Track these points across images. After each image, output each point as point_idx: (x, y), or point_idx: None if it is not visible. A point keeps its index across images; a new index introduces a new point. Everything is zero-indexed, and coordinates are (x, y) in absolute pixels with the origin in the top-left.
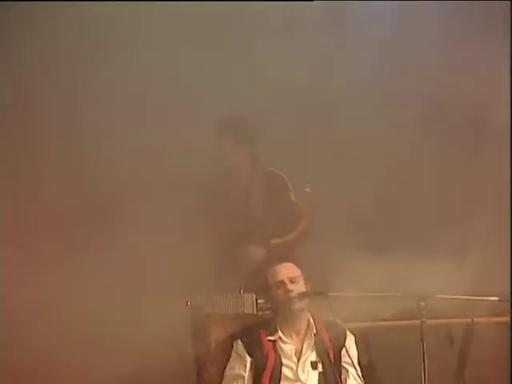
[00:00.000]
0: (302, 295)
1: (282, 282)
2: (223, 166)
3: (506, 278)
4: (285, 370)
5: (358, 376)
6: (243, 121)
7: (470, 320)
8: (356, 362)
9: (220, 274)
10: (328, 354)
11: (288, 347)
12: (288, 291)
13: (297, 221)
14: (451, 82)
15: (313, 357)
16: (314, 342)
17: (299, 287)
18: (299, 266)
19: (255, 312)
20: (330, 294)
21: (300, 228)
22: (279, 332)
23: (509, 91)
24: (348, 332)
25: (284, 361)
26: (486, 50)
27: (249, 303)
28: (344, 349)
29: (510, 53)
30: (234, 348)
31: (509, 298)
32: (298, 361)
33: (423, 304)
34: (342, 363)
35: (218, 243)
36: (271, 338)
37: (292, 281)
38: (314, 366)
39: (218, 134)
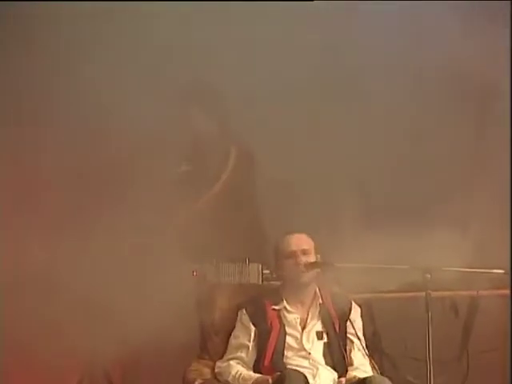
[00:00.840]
0: (309, 265)
1: (294, 253)
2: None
3: (507, 250)
4: (289, 340)
5: (363, 347)
6: (212, 89)
7: (475, 292)
8: (361, 334)
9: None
10: (333, 324)
11: (292, 316)
12: (299, 263)
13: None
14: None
15: (318, 327)
16: (319, 312)
17: (310, 259)
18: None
19: (261, 282)
20: (336, 264)
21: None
22: (284, 301)
23: (509, 92)
24: (353, 303)
25: (288, 330)
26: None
27: (254, 273)
28: (349, 320)
29: (511, 53)
30: (239, 317)
31: (509, 271)
32: (303, 330)
33: (429, 276)
34: (347, 334)
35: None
36: (276, 308)
37: (304, 252)
38: (319, 336)
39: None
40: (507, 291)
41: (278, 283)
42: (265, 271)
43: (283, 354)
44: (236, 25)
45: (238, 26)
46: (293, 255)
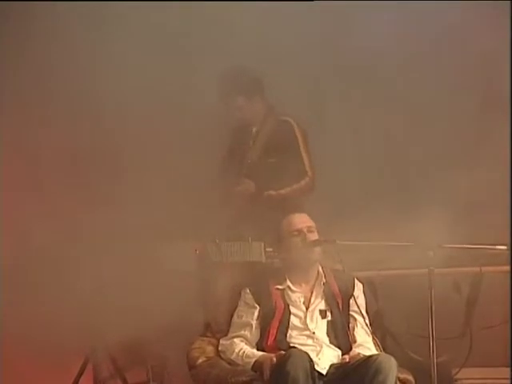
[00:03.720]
0: (313, 242)
1: (301, 231)
2: (234, 118)
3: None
4: (293, 319)
5: (366, 324)
6: (249, 73)
7: (478, 269)
8: (364, 311)
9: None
10: (336, 302)
11: (296, 296)
12: (307, 239)
13: (300, 176)
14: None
15: (321, 305)
16: (323, 290)
17: (314, 237)
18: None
19: (264, 260)
20: (338, 242)
21: (300, 184)
22: (287, 281)
23: (509, 93)
24: (356, 281)
25: (292, 309)
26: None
27: (257, 251)
28: (352, 297)
29: (510, 53)
30: (242, 297)
31: (509, 247)
32: (307, 310)
33: (431, 253)
34: (350, 312)
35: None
36: (280, 287)
37: (309, 230)
38: (322, 314)
39: (226, 88)
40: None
41: (281, 262)
42: (268, 249)
43: (287, 333)
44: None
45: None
46: (299, 233)
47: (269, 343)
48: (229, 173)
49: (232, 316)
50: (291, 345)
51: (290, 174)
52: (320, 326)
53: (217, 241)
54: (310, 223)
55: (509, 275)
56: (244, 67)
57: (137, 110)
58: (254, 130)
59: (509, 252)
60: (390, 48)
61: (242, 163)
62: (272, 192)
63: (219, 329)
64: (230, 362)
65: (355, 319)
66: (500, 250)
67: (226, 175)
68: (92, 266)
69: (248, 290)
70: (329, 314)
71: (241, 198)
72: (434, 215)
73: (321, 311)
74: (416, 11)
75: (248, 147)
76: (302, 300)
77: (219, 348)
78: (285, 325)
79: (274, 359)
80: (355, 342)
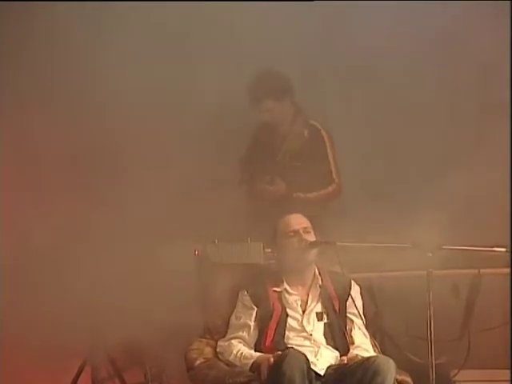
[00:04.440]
0: (312, 244)
1: (297, 232)
2: (262, 120)
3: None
4: (290, 321)
5: (363, 326)
6: (279, 77)
7: (477, 271)
8: (361, 313)
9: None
10: (333, 304)
11: (293, 298)
12: (303, 240)
13: (327, 182)
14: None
15: (318, 308)
16: (320, 293)
17: (311, 238)
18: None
19: (262, 262)
20: (338, 243)
21: (327, 190)
22: (285, 283)
23: (509, 93)
24: (353, 282)
25: (289, 312)
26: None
27: (256, 252)
28: (349, 299)
29: (510, 53)
30: (240, 298)
31: (509, 249)
32: (304, 312)
33: (430, 255)
34: (347, 314)
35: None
36: (277, 289)
37: (305, 231)
38: (319, 317)
39: (255, 92)
40: (508, 270)
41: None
42: (267, 250)
43: (284, 335)
44: None
45: None
46: (295, 234)
47: (267, 344)
48: (255, 172)
49: (230, 317)
50: (289, 346)
51: (317, 179)
52: (317, 328)
53: (216, 241)
54: (306, 224)
55: (508, 277)
56: (275, 70)
57: (137, 110)
58: (282, 131)
59: (509, 254)
60: (390, 48)
61: (272, 164)
62: (300, 194)
63: (217, 330)
64: (228, 363)
65: (352, 321)
66: (499, 252)
67: (252, 174)
68: (92, 265)
69: (246, 292)
70: (325, 316)
71: (272, 197)
72: (433, 216)
73: (317, 314)
74: (416, 11)
75: (277, 148)
76: (299, 303)
77: (217, 349)
78: (282, 326)
79: (272, 360)
80: (353, 343)
